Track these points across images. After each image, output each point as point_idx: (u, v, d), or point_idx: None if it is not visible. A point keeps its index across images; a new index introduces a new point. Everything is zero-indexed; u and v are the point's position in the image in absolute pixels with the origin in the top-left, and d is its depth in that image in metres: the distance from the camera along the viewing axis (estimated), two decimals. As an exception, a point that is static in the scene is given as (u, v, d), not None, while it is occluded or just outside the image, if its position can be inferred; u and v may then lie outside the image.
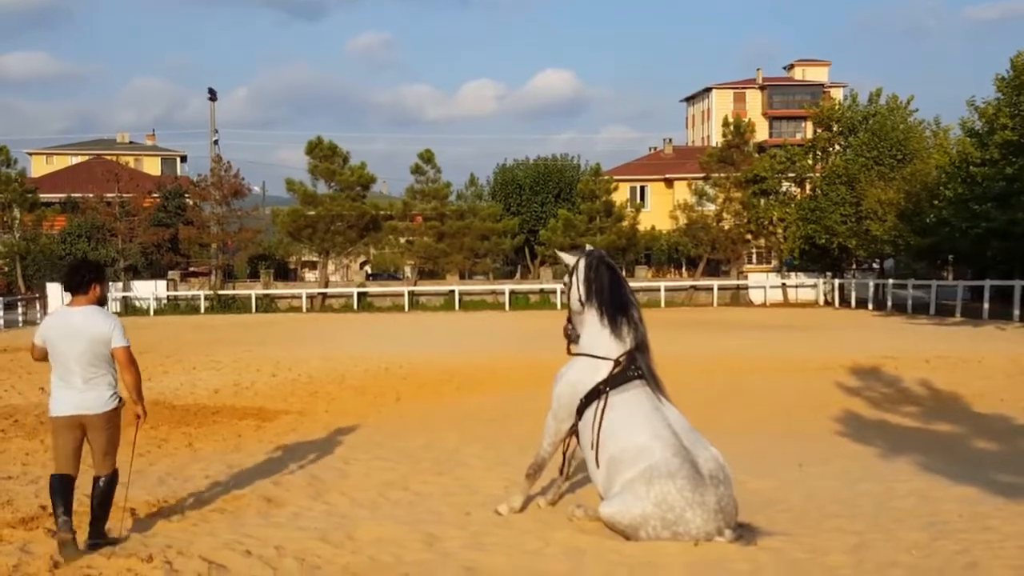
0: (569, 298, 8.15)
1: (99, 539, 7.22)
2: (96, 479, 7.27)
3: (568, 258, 8.25)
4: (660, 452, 7.10)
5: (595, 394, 7.61)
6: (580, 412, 7.65)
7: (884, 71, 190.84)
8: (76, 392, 7.04)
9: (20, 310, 38.52)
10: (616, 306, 7.81)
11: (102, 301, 7.46)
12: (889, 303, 40.11)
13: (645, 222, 56.26)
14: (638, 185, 66.90)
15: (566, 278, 8.22)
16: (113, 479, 7.34)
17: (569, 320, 8.21)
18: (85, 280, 7.23)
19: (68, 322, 7.11)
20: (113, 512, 7.43)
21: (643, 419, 7.35)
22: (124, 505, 7.75)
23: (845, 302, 44.82)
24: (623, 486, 7.17)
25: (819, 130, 48.74)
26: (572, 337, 8.18)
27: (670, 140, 75.96)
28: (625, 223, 51.25)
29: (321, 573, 6.74)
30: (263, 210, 60.47)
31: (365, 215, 48.48)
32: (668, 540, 6.91)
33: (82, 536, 7.09)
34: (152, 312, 45.08)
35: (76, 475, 7.27)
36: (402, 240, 50.34)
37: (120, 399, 7.29)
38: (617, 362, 7.70)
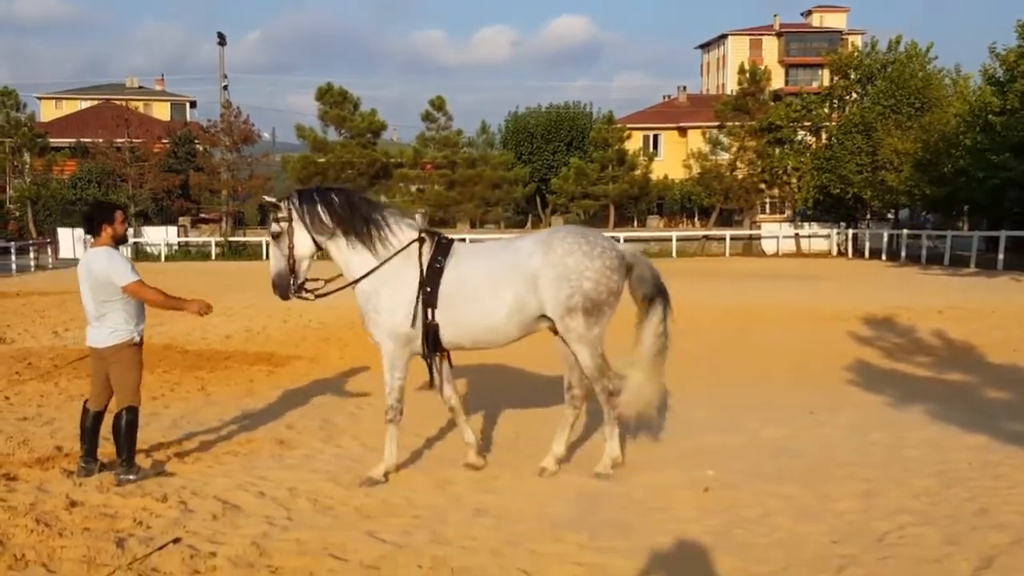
0: (294, 244, 7.49)
1: (119, 475, 7.43)
2: (115, 414, 7.53)
3: (283, 208, 7.58)
4: None
5: (434, 273, 7.45)
6: (430, 302, 7.40)
7: (904, 18, 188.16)
8: (91, 328, 7.57)
9: (32, 255, 38.62)
10: (378, 205, 7.81)
11: (119, 239, 7.70)
12: (903, 253, 39.90)
13: (658, 171, 55.88)
14: (651, 134, 66.32)
15: (277, 226, 7.54)
16: (124, 416, 7.46)
17: (292, 270, 7.53)
18: (95, 223, 7.59)
19: (82, 263, 7.60)
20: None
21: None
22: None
23: (859, 252, 44.60)
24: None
25: (836, 78, 48.13)
26: (303, 287, 7.65)
27: (684, 88, 75.12)
28: (638, 172, 50.96)
29: (333, 514, 6.81)
30: (273, 157, 60.29)
31: (376, 163, 48.26)
32: None
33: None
34: (163, 258, 45.19)
35: (102, 410, 7.68)
36: (413, 188, 50.15)
37: (133, 336, 7.49)
38: (421, 239, 7.61)
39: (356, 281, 7.61)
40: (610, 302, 7.53)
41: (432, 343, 7.54)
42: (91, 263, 7.48)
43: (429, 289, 7.43)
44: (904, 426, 9.48)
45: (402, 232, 7.65)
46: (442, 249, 7.61)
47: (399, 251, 7.54)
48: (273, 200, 7.80)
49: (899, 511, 6.72)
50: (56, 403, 10.76)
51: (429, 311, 7.44)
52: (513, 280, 7.42)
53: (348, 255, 7.61)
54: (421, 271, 7.47)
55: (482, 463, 8.06)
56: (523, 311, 7.47)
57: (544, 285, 7.37)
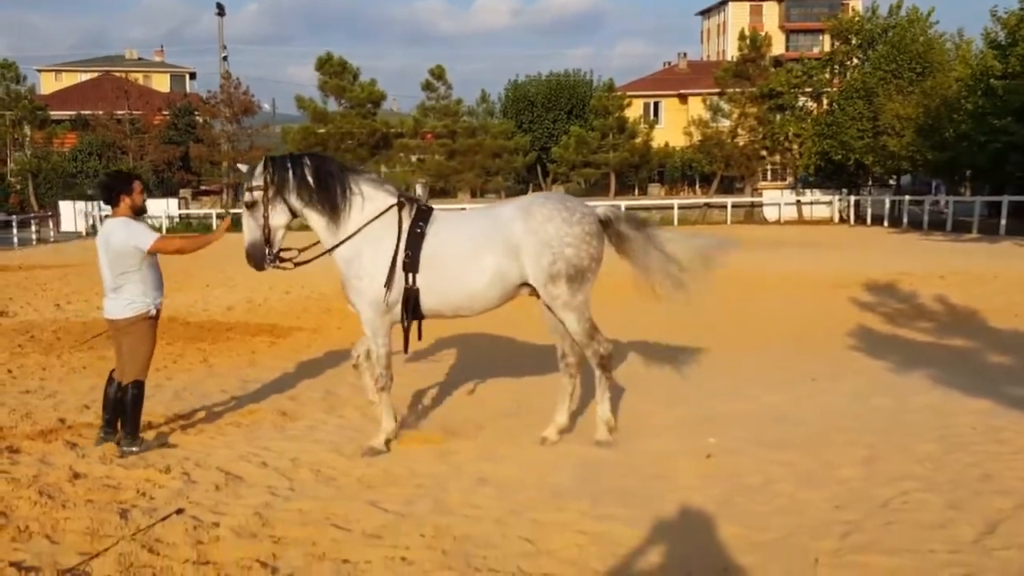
0: (269, 213, 7.41)
1: (123, 446, 7.47)
2: (122, 386, 7.56)
3: (256, 177, 7.47)
4: None
5: (415, 238, 7.43)
6: (411, 266, 7.37)
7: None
8: (107, 299, 7.58)
9: (33, 228, 38.55)
10: (352, 170, 7.76)
11: (138, 210, 7.71)
12: (905, 220, 39.76)
13: (659, 139, 55.61)
14: (652, 101, 65.91)
15: (250, 195, 7.45)
16: (130, 390, 7.49)
17: (267, 240, 7.46)
18: (114, 192, 7.59)
19: (101, 234, 7.61)
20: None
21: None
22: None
23: (861, 219, 44.40)
24: None
25: (837, 43, 47.72)
26: (279, 257, 7.59)
27: (685, 55, 74.56)
28: (638, 140, 50.74)
29: (336, 484, 6.82)
30: (274, 128, 59.91)
31: (376, 133, 48.01)
32: None
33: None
34: (164, 230, 45.11)
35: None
36: (413, 158, 49.93)
37: (149, 309, 7.51)
38: (400, 204, 7.58)
39: (333, 248, 7.55)
40: (592, 268, 7.53)
41: (412, 309, 7.50)
42: (109, 234, 7.46)
43: (411, 253, 7.39)
44: (906, 391, 9.48)
45: (379, 197, 7.60)
46: (423, 215, 7.58)
47: (377, 216, 7.49)
48: (246, 166, 7.72)
49: (902, 477, 6.73)
50: (58, 376, 10.76)
51: (410, 276, 7.41)
52: (493, 247, 7.40)
53: (325, 222, 7.54)
54: (399, 235, 7.43)
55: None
56: (504, 278, 7.45)
57: (526, 253, 7.37)
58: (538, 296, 7.63)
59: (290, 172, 7.47)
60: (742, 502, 6.29)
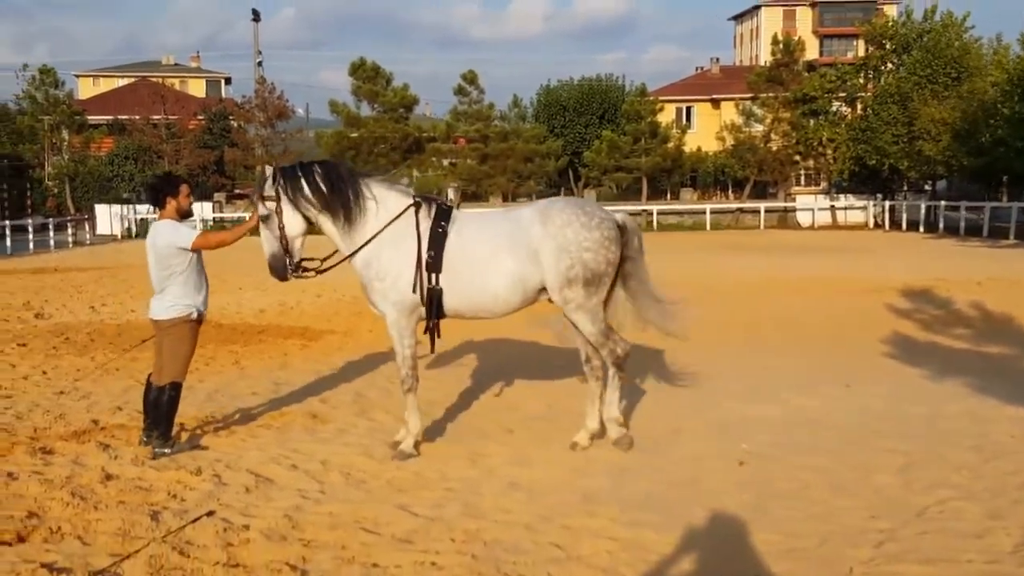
0: (284, 224, 7.38)
1: (155, 448, 7.51)
2: (158, 387, 7.60)
3: (268, 189, 7.44)
4: None
5: (438, 237, 7.41)
6: (435, 266, 7.37)
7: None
8: (153, 300, 7.64)
9: (69, 231, 39.05)
10: (364, 174, 7.72)
11: (184, 212, 7.76)
12: (941, 225, 39.28)
13: (691, 143, 55.38)
14: (684, 106, 65.69)
15: (264, 207, 7.41)
16: (165, 391, 7.54)
17: (286, 250, 7.43)
18: (160, 195, 7.66)
19: (148, 236, 7.67)
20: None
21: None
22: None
23: (895, 224, 43.97)
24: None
25: (871, 48, 47.33)
26: (300, 266, 7.58)
27: (717, 60, 74.37)
28: (670, 144, 50.50)
29: (366, 487, 6.82)
30: (307, 132, 60.27)
31: (408, 137, 48.14)
32: None
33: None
34: (199, 231, 45.44)
35: None
36: (445, 162, 50.01)
37: (191, 312, 7.56)
38: (417, 204, 7.56)
39: (353, 254, 7.54)
40: (608, 272, 7.52)
41: (436, 309, 7.49)
42: (155, 236, 7.54)
43: (434, 252, 7.39)
44: (942, 398, 9.34)
45: (393, 200, 7.58)
46: (443, 214, 7.56)
47: (395, 218, 7.48)
48: (269, 168, 7.66)
49: (939, 485, 6.62)
50: (92, 377, 10.85)
51: (433, 275, 7.40)
52: (513, 250, 7.39)
53: (340, 227, 7.53)
54: (419, 236, 7.42)
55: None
56: (524, 281, 7.44)
57: (544, 257, 7.35)
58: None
59: (301, 180, 7.45)
60: (775, 509, 6.21)
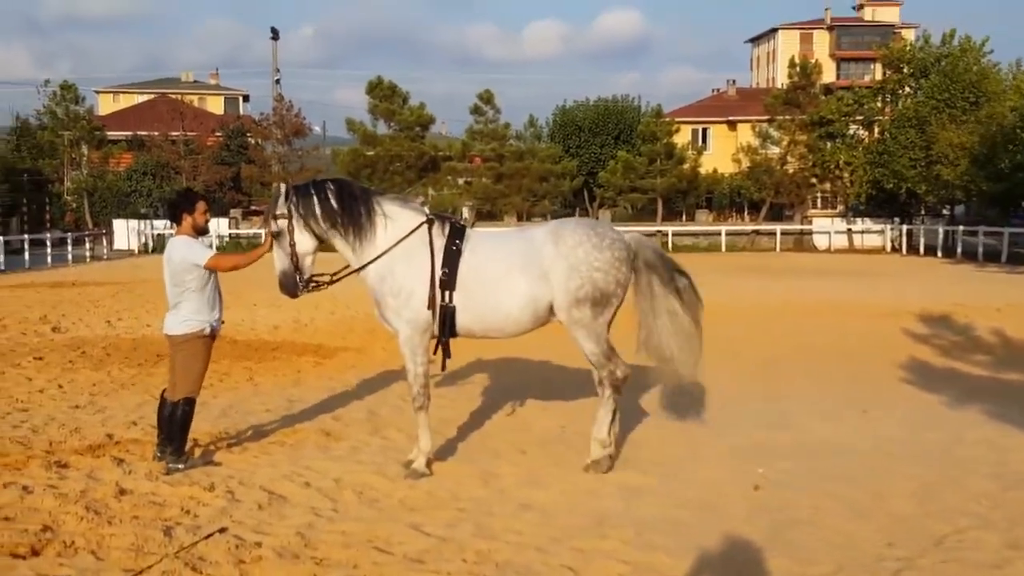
0: (296, 241, 7.41)
1: (168, 463, 7.52)
2: (172, 402, 7.62)
3: (280, 206, 7.44)
4: None
5: (452, 255, 7.41)
6: (448, 284, 7.38)
7: (959, 12, 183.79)
8: (168, 315, 7.69)
9: (87, 245, 39.31)
10: (376, 192, 7.77)
11: (200, 229, 7.80)
12: (959, 250, 39.09)
13: (707, 165, 55.41)
14: (700, 127, 65.77)
15: (276, 225, 7.43)
16: (179, 407, 7.56)
17: (296, 267, 7.46)
18: (177, 211, 7.73)
19: (165, 252, 7.74)
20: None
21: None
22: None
23: (913, 249, 43.78)
24: None
25: (889, 72, 47.30)
26: (313, 281, 7.63)
27: (734, 82, 74.42)
28: (686, 166, 50.53)
29: (379, 506, 6.79)
30: (323, 150, 60.58)
31: (424, 155, 48.33)
32: None
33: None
34: (215, 249, 45.64)
35: None
36: (460, 181, 50.11)
37: (204, 328, 7.58)
38: (430, 221, 7.57)
39: (365, 266, 7.53)
40: (617, 293, 7.53)
41: (448, 327, 7.49)
42: (171, 252, 7.60)
43: (448, 270, 7.40)
44: (961, 425, 9.25)
45: (406, 217, 7.61)
46: (457, 233, 7.58)
47: (407, 235, 7.50)
48: (284, 186, 7.67)
49: (957, 513, 6.55)
50: (107, 391, 10.88)
51: (447, 293, 7.41)
52: (526, 269, 7.41)
53: (352, 245, 7.56)
54: (432, 253, 7.43)
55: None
56: (536, 301, 7.45)
57: (555, 276, 7.37)
58: None
59: (313, 198, 7.49)
60: (791, 534, 6.15)
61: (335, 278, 7.82)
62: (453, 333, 7.59)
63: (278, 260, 7.57)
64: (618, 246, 7.52)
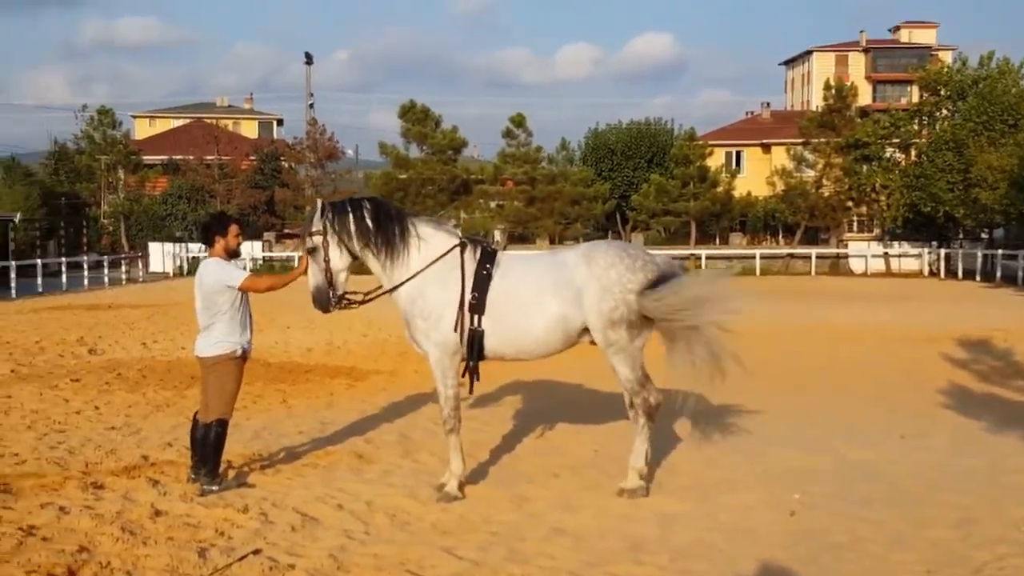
0: (330, 257, 7.48)
1: (203, 485, 7.55)
2: (204, 424, 7.65)
3: (316, 223, 7.53)
4: None
5: (482, 279, 7.42)
6: (478, 308, 7.38)
7: (997, 33, 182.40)
8: (199, 337, 7.73)
9: (123, 268, 39.80)
10: (411, 213, 7.81)
11: (232, 252, 7.86)
12: (998, 274, 38.58)
13: (741, 188, 55.12)
14: (734, 150, 65.49)
15: (311, 241, 7.50)
16: (212, 428, 7.59)
17: (330, 283, 7.53)
18: (209, 234, 7.83)
19: (197, 274, 7.80)
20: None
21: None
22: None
23: (951, 273, 43.27)
24: None
25: (926, 94, 46.97)
26: (346, 299, 7.68)
27: (768, 104, 74.08)
28: (720, 189, 50.36)
29: (411, 529, 6.78)
30: (356, 173, 61.07)
31: (456, 179, 48.58)
32: None
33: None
34: (249, 272, 46.05)
35: None
36: (492, 204, 50.27)
37: (235, 349, 7.62)
38: (463, 244, 7.58)
39: (398, 286, 7.57)
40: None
41: (477, 350, 7.49)
42: (203, 274, 7.67)
43: (477, 294, 7.41)
44: (1001, 452, 9.08)
45: (440, 238, 7.64)
46: (488, 257, 7.59)
47: (440, 257, 7.53)
48: (316, 206, 7.72)
49: (998, 540, 6.42)
50: (143, 413, 10.97)
51: (476, 317, 7.41)
52: (557, 291, 7.41)
53: (385, 264, 7.59)
54: (463, 276, 7.45)
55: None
56: (566, 322, 7.43)
57: (588, 297, 7.35)
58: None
59: (349, 216, 7.54)
60: (828, 561, 6.06)
61: (368, 297, 7.87)
62: (482, 356, 7.59)
63: (312, 276, 7.63)
64: (650, 268, 7.50)
